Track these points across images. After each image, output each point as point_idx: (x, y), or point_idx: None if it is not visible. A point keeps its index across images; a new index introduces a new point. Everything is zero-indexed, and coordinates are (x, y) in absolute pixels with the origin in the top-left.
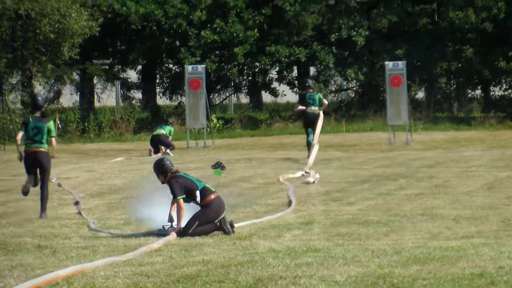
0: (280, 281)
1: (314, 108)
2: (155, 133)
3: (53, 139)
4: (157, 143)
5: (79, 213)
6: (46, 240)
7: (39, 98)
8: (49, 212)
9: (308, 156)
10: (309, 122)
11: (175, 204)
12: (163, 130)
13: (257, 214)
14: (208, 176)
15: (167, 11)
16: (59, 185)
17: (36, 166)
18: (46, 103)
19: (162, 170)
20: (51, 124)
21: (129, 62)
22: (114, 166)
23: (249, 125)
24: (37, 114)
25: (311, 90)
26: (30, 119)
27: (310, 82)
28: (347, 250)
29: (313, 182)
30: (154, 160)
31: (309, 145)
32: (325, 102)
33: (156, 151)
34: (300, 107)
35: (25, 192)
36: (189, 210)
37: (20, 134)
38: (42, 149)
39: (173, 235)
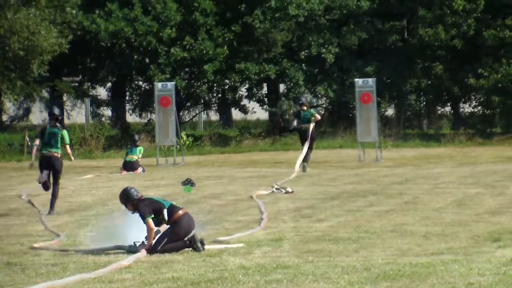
0: None
1: (308, 125)
2: (127, 158)
3: (67, 146)
4: (130, 169)
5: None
6: (15, 257)
7: (55, 107)
8: (18, 229)
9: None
10: (301, 136)
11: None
12: (136, 156)
13: (227, 231)
14: (178, 193)
15: (137, 29)
16: (29, 202)
17: (49, 168)
18: (16, 121)
19: (128, 198)
20: (64, 132)
21: (98, 79)
22: (83, 183)
23: (219, 142)
24: (52, 122)
25: (305, 108)
26: (47, 126)
27: (303, 100)
28: (317, 267)
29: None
30: (124, 177)
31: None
32: (317, 116)
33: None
34: (295, 124)
35: (45, 184)
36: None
37: (37, 141)
38: (55, 153)
39: (143, 252)
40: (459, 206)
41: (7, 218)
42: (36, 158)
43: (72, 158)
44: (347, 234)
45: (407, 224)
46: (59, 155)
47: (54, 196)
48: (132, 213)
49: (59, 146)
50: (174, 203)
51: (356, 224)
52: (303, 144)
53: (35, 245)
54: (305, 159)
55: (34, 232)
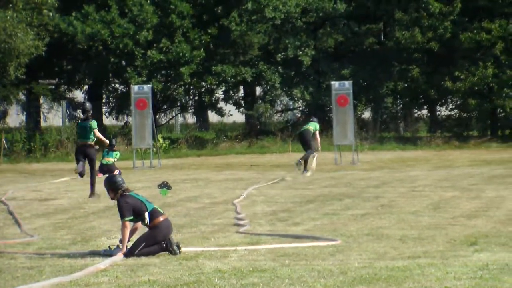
0: None
1: (306, 127)
2: (104, 161)
3: (95, 131)
4: (106, 171)
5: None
6: None
7: (87, 104)
8: None
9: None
10: (300, 137)
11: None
12: (112, 158)
13: (203, 234)
14: (154, 196)
15: (114, 31)
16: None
17: (85, 157)
18: None
19: (113, 187)
20: (93, 123)
21: (75, 82)
22: (60, 186)
23: (195, 145)
24: (84, 116)
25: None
26: (79, 122)
27: (315, 119)
28: (293, 271)
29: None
30: (101, 179)
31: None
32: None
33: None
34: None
35: (81, 174)
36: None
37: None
38: (87, 143)
39: (119, 256)
40: (436, 210)
41: None
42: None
43: (107, 141)
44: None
45: (383, 227)
46: (92, 144)
47: (93, 184)
48: (112, 200)
49: (90, 136)
50: (156, 207)
51: (332, 227)
52: (305, 149)
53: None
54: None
55: (10, 235)
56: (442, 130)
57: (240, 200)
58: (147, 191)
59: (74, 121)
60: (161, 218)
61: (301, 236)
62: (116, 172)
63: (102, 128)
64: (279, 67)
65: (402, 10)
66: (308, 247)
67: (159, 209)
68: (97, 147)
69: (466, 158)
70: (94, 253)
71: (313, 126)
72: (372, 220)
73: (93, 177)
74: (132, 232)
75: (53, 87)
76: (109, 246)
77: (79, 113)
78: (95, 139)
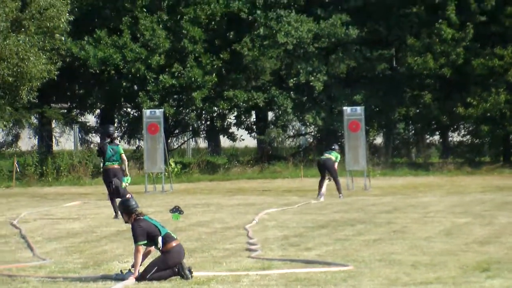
0: None
1: (327, 155)
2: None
3: (123, 155)
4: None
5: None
6: (3, 284)
7: (110, 127)
8: (6, 255)
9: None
10: (320, 165)
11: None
12: (124, 183)
13: (215, 258)
14: (166, 220)
15: (126, 55)
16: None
17: (113, 178)
18: (4, 147)
19: (127, 210)
20: (120, 147)
21: (87, 106)
22: (72, 210)
23: (207, 169)
24: (109, 140)
25: (334, 149)
26: (107, 145)
27: (336, 146)
28: None
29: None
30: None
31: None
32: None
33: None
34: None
35: (116, 189)
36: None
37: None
38: (116, 166)
39: (131, 280)
40: (448, 236)
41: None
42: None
43: (126, 166)
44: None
45: (395, 253)
46: (120, 167)
47: (114, 204)
48: (125, 223)
49: (119, 159)
50: (169, 231)
51: (345, 253)
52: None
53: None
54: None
55: (22, 258)
56: (454, 156)
57: (252, 225)
58: (159, 216)
59: (86, 145)
60: (173, 243)
61: (312, 261)
62: (128, 196)
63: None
64: (291, 92)
65: (414, 36)
66: (320, 272)
67: (172, 234)
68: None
69: (478, 184)
70: (106, 277)
71: (334, 155)
72: (384, 246)
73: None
74: (145, 256)
75: (65, 111)
76: (121, 270)
77: (90, 137)
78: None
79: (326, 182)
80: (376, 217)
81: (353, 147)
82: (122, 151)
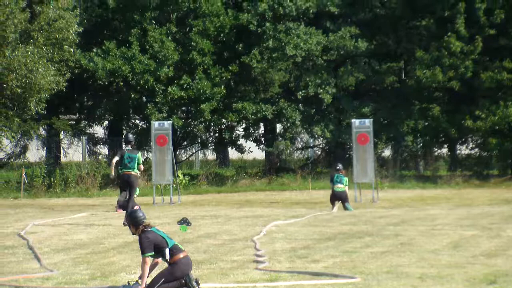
0: None
1: (341, 186)
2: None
3: (141, 166)
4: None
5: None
6: None
7: (130, 135)
8: (13, 266)
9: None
10: (336, 198)
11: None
12: None
13: (223, 270)
14: (173, 232)
15: (134, 67)
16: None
17: (127, 185)
18: (13, 158)
19: (134, 222)
20: (139, 155)
21: (95, 118)
22: (79, 221)
23: (215, 181)
24: (129, 147)
25: (341, 173)
26: (126, 151)
27: (341, 166)
28: None
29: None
30: (120, 215)
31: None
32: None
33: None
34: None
35: (122, 206)
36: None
37: (116, 159)
38: (132, 173)
39: None
40: (455, 248)
41: (3, 256)
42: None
43: (139, 174)
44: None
45: (403, 265)
46: (136, 174)
47: (127, 208)
48: (133, 234)
49: (135, 166)
50: (177, 243)
51: (352, 265)
52: (332, 202)
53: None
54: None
55: (29, 269)
56: (462, 168)
57: (260, 236)
58: (167, 227)
59: (94, 156)
60: (181, 255)
61: (319, 273)
62: (136, 207)
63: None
64: (300, 104)
65: (423, 49)
66: (327, 284)
67: (180, 246)
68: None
69: (486, 197)
70: None
71: (345, 182)
72: (391, 258)
73: (130, 203)
74: (152, 267)
75: (74, 122)
76: (128, 282)
77: (99, 149)
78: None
79: (337, 205)
80: (383, 229)
81: (361, 160)
82: (140, 161)
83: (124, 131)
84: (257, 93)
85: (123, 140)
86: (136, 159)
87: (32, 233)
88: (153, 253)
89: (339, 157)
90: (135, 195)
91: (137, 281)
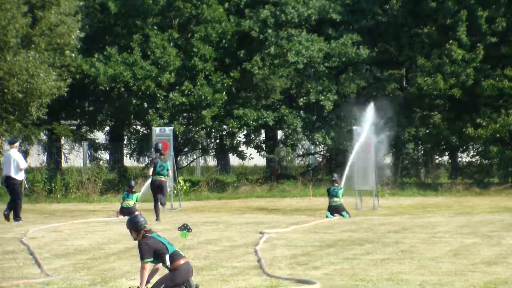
0: None
1: (337, 200)
2: (124, 205)
3: (170, 172)
4: (127, 214)
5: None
6: None
7: (160, 145)
8: (14, 271)
9: None
10: (332, 210)
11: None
12: (132, 201)
13: (223, 276)
14: (174, 238)
15: (136, 73)
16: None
17: (160, 190)
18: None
19: (135, 227)
20: (169, 163)
21: (97, 123)
22: (80, 227)
23: (216, 187)
24: (158, 155)
25: (336, 184)
26: (158, 160)
27: (336, 176)
28: None
29: None
30: (121, 221)
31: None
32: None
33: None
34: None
35: (162, 203)
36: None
37: (151, 170)
38: (163, 179)
39: None
40: (456, 256)
41: (4, 261)
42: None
43: (171, 174)
44: (343, 282)
45: (403, 272)
46: (166, 180)
47: (158, 209)
48: (134, 240)
49: (166, 173)
50: (178, 249)
51: (352, 272)
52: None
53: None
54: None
55: (30, 274)
56: (463, 176)
57: (264, 239)
58: (168, 233)
59: (95, 162)
60: (181, 261)
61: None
62: (137, 213)
63: (123, 169)
64: (301, 111)
65: (425, 56)
66: None
67: (181, 252)
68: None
69: (486, 204)
70: None
71: (340, 195)
72: (392, 265)
73: (158, 207)
74: (153, 273)
75: (75, 127)
76: (129, 287)
77: (100, 154)
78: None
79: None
80: (384, 236)
81: (362, 167)
82: (169, 168)
83: (125, 137)
84: (259, 100)
85: (153, 149)
86: (167, 167)
87: (32, 239)
88: (152, 259)
89: (340, 164)
90: (135, 202)
91: (138, 287)
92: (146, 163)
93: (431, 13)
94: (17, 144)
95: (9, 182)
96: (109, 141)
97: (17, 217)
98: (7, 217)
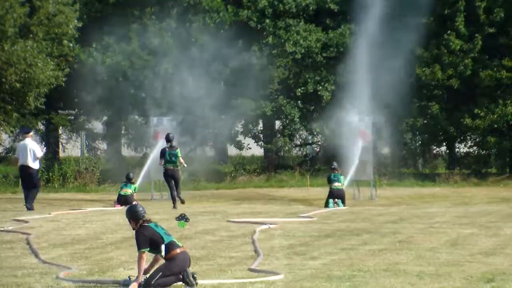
0: None
1: (338, 184)
2: (122, 193)
3: (180, 158)
4: (124, 203)
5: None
6: None
7: (170, 135)
8: (11, 261)
9: None
10: (334, 196)
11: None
12: (130, 190)
13: (221, 266)
14: (172, 228)
15: (134, 63)
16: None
17: (172, 178)
18: (11, 153)
19: (134, 216)
20: (178, 150)
21: (94, 113)
22: (77, 216)
23: (213, 177)
24: (169, 145)
25: (336, 172)
26: (167, 149)
27: (336, 165)
28: None
29: None
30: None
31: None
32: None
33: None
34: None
35: (174, 198)
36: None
37: (162, 161)
38: (175, 168)
39: (133, 287)
40: (453, 246)
41: (1, 251)
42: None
43: (185, 165)
44: (340, 272)
45: (400, 263)
46: (178, 168)
47: (174, 198)
48: (133, 229)
49: (177, 161)
50: (174, 240)
51: (350, 262)
52: (328, 200)
53: (61, 275)
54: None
55: (27, 264)
56: (461, 167)
57: (263, 228)
58: (165, 223)
59: (92, 152)
60: (178, 251)
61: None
62: (135, 203)
63: (121, 159)
64: (299, 101)
65: (423, 47)
66: (325, 281)
67: (177, 242)
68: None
69: (484, 195)
70: (115, 282)
71: (342, 180)
72: (389, 256)
73: (178, 192)
74: (154, 262)
75: (72, 117)
76: (129, 277)
77: (97, 144)
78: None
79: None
80: (382, 227)
81: (360, 157)
82: (179, 155)
83: (123, 127)
84: (256, 90)
85: (165, 139)
86: (176, 154)
87: (30, 228)
88: (148, 248)
89: (337, 154)
90: (133, 191)
91: (137, 277)
92: (143, 153)
93: (429, 3)
94: (31, 133)
95: (26, 171)
96: (106, 131)
97: (29, 206)
98: (30, 209)
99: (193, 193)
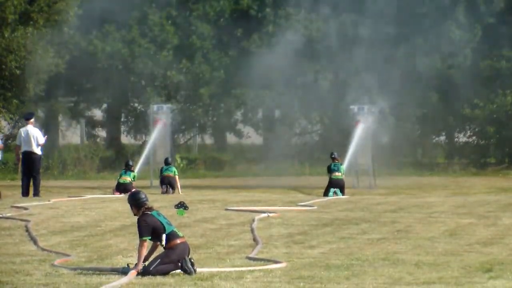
0: None
1: (338, 174)
2: (121, 181)
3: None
4: (123, 190)
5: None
6: (7, 276)
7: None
8: (10, 248)
9: None
10: (334, 185)
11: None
12: (129, 177)
13: (219, 255)
14: (170, 216)
15: (134, 51)
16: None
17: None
18: (11, 140)
19: (136, 203)
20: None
21: (94, 101)
22: (77, 204)
23: (213, 165)
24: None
25: (336, 161)
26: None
27: (336, 154)
28: None
29: None
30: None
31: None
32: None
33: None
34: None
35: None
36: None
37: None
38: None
39: (132, 274)
40: (452, 236)
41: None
42: None
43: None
44: (339, 261)
45: (399, 252)
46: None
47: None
48: (134, 215)
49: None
50: (175, 230)
51: (348, 251)
52: (328, 189)
53: (55, 262)
54: None
55: (26, 251)
56: (460, 157)
57: (262, 217)
58: (164, 211)
59: (92, 139)
60: (178, 241)
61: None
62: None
63: (120, 146)
64: (299, 90)
65: (422, 37)
66: (324, 270)
67: (178, 232)
68: None
69: (483, 185)
70: (113, 270)
71: (342, 170)
72: (388, 245)
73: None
74: (153, 249)
75: (72, 105)
76: (127, 264)
77: (97, 132)
78: None
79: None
80: (380, 216)
81: (360, 146)
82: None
83: (123, 114)
84: (257, 79)
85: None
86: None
87: (29, 215)
88: (150, 237)
89: (337, 143)
90: (132, 179)
91: (136, 264)
92: (143, 140)
93: None
94: (32, 119)
95: (31, 157)
96: (106, 119)
97: (37, 193)
98: (37, 194)
99: (192, 181)
